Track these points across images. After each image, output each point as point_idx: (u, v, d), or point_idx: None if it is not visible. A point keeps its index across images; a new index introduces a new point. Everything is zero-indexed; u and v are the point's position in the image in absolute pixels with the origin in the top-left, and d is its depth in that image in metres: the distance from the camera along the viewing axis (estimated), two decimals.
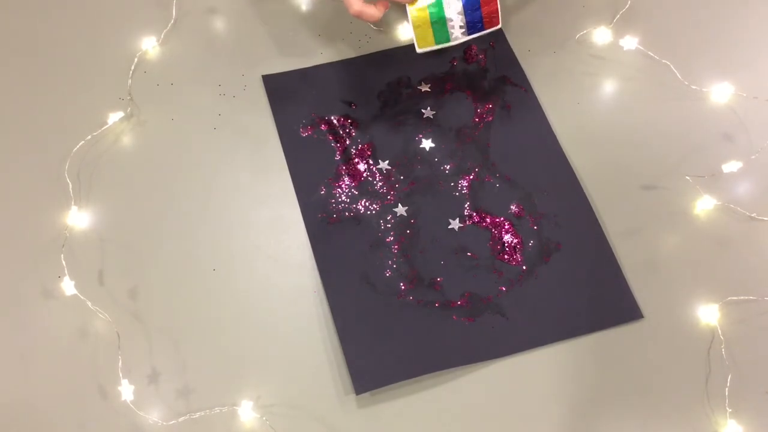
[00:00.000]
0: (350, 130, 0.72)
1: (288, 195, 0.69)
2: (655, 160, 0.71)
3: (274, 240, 0.67)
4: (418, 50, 0.68)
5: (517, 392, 0.61)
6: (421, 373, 0.61)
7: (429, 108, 0.73)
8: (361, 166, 0.70)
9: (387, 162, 0.70)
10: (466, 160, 0.71)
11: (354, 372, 0.60)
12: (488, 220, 0.68)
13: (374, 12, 0.66)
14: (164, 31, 0.76)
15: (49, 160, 0.69)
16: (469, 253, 0.66)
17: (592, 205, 0.69)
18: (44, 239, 0.66)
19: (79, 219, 0.66)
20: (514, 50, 0.77)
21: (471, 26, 0.68)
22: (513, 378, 0.62)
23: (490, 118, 0.73)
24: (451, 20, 0.66)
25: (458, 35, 0.68)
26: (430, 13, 0.66)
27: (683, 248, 0.67)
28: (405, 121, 0.72)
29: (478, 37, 0.69)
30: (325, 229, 0.67)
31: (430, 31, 0.67)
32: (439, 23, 0.66)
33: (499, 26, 0.68)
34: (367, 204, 0.68)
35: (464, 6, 0.66)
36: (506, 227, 0.68)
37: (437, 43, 0.68)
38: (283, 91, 0.74)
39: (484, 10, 0.67)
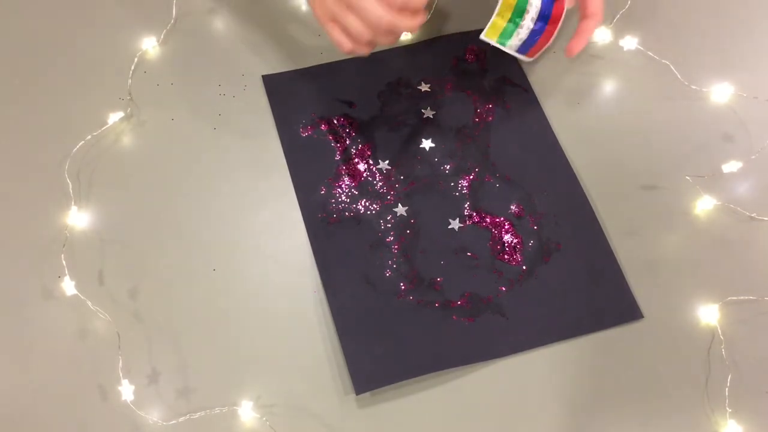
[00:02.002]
0: (350, 130, 0.72)
1: (288, 195, 0.69)
2: (655, 160, 0.71)
3: (274, 240, 0.67)
4: (481, 37, 0.70)
5: (517, 392, 0.61)
6: (421, 373, 0.61)
7: (429, 108, 0.73)
8: (361, 166, 0.70)
9: (387, 162, 0.70)
10: (466, 160, 0.71)
11: (354, 372, 0.60)
12: (488, 220, 0.68)
13: (367, 50, 0.66)
14: (164, 31, 0.76)
15: (49, 160, 0.69)
16: (469, 253, 0.66)
17: (592, 205, 0.69)
18: (44, 239, 0.65)
19: (79, 219, 0.66)
20: None
21: (523, 46, 0.71)
22: (513, 378, 0.62)
23: (490, 118, 0.73)
24: (520, 31, 0.70)
25: (513, 44, 0.71)
26: (513, 11, 0.69)
27: (683, 248, 0.67)
28: (405, 121, 0.72)
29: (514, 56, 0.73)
30: (325, 229, 0.67)
31: (503, 27, 0.69)
32: (512, 26, 0.69)
33: (532, 59, 0.73)
34: (367, 204, 0.68)
35: (533, 25, 0.70)
36: (506, 227, 0.68)
37: (498, 40, 0.70)
38: (283, 91, 0.74)
39: (541, 39, 0.71)
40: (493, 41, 0.70)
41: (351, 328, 0.62)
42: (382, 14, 0.60)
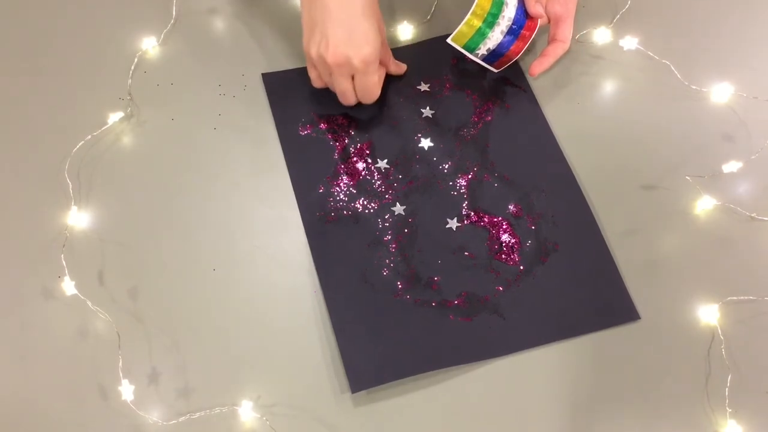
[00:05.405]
0: (349, 128, 0.72)
1: (288, 195, 0.69)
2: (655, 160, 0.71)
3: (274, 240, 0.67)
4: (448, 41, 0.71)
5: (514, 392, 0.61)
6: (417, 372, 0.61)
7: (428, 107, 0.73)
8: (360, 165, 0.70)
9: (385, 161, 0.70)
10: (464, 160, 0.71)
11: (350, 370, 0.60)
12: (486, 219, 0.68)
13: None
14: (164, 31, 0.76)
15: (49, 160, 0.69)
16: (466, 253, 0.66)
17: (590, 205, 0.69)
18: (44, 239, 0.66)
19: (79, 219, 0.66)
20: None
21: (491, 56, 0.71)
22: (510, 378, 0.62)
23: (489, 118, 0.73)
24: (488, 41, 0.70)
25: (480, 53, 0.71)
26: (484, 21, 0.69)
27: (683, 248, 0.67)
28: (404, 121, 0.72)
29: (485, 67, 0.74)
30: (323, 227, 0.67)
31: (473, 33, 0.69)
32: (480, 34, 0.69)
33: (497, 71, 0.74)
34: (365, 203, 0.68)
35: (502, 37, 0.70)
36: (504, 227, 0.68)
37: (464, 46, 0.71)
38: (283, 90, 0.74)
39: (509, 53, 0.71)
40: (459, 47, 0.71)
41: (347, 327, 0.62)
42: (377, 93, 0.69)
